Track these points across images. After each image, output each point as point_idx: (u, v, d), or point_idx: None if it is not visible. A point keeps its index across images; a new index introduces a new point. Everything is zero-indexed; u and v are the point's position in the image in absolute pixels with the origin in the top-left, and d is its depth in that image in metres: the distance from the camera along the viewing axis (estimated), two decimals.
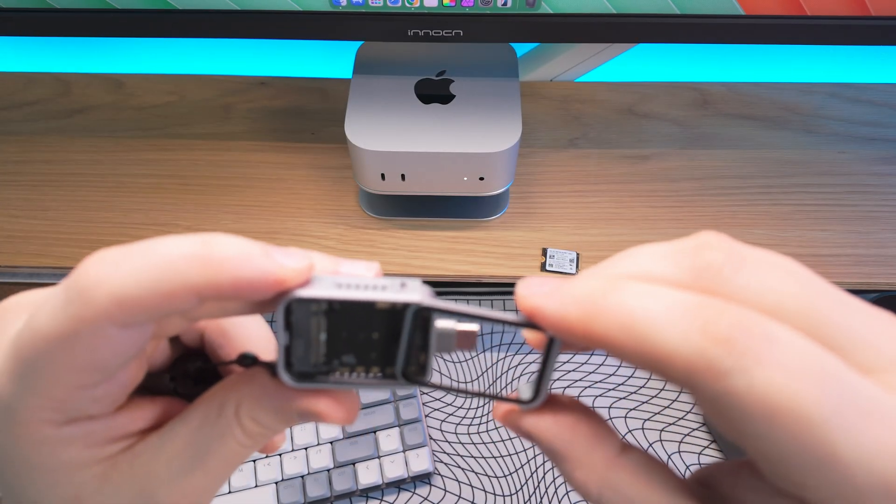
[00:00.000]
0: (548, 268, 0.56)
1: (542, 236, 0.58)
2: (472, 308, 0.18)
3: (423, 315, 0.18)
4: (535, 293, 0.17)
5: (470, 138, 0.52)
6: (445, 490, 0.52)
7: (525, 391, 0.20)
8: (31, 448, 0.18)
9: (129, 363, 0.19)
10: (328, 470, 0.52)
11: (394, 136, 0.52)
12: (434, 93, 0.55)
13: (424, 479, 0.52)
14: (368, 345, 0.19)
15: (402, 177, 0.54)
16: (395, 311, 0.18)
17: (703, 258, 0.17)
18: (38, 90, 0.68)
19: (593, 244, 0.57)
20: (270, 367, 0.20)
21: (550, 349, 0.18)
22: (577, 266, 0.56)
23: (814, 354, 0.15)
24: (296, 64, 0.71)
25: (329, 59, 0.70)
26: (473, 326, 0.19)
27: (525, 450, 0.54)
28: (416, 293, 0.18)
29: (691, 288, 0.16)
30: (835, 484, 0.14)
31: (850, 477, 0.14)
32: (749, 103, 0.66)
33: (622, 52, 0.63)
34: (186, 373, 0.23)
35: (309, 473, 0.51)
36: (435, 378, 0.17)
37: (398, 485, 0.52)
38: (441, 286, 0.63)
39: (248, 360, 0.21)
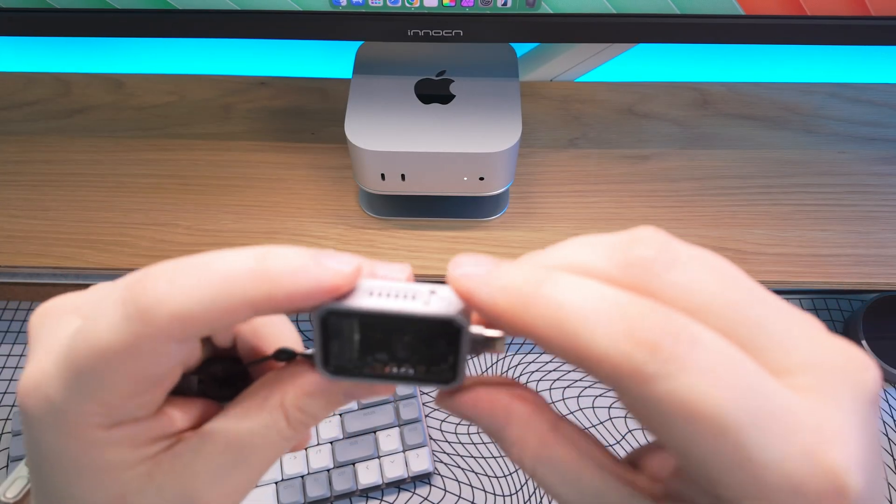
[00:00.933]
0: None
1: (543, 236, 0.58)
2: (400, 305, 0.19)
3: (455, 329, 0.19)
4: (467, 274, 0.17)
5: (470, 138, 0.52)
6: (445, 490, 0.52)
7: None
8: (80, 449, 0.19)
9: (174, 371, 0.19)
10: (328, 470, 0.52)
11: (394, 136, 0.52)
12: (434, 93, 0.55)
13: (424, 479, 0.52)
14: (400, 347, 0.19)
15: (402, 177, 0.54)
16: (426, 321, 0.19)
17: (635, 253, 0.17)
18: (38, 90, 0.68)
19: None
20: (310, 359, 0.20)
21: (460, 334, 0.19)
22: None
23: (733, 360, 0.15)
24: (296, 64, 0.71)
25: (329, 60, 0.70)
26: (498, 333, 0.19)
27: None
28: (443, 304, 0.18)
29: (621, 283, 0.17)
30: (747, 484, 0.15)
31: (761, 478, 0.15)
32: (749, 103, 0.66)
33: (622, 52, 0.63)
34: (214, 375, 0.23)
35: (309, 473, 0.51)
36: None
37: (398, 485, 0.52)
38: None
39: (286, 355, 0.21)
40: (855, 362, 0.16)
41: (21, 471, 0.48)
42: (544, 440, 0.19)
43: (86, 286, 0.21)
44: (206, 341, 0.24)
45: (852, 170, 0.62)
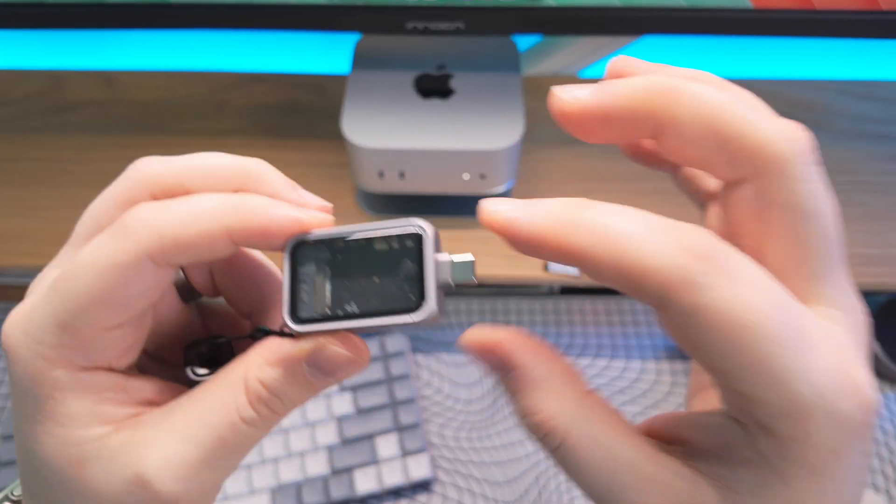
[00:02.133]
0: (550, 268, 0.55)
1: None
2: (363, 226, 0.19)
3: (418, 245, 0.19)
4: (503, 209, 0.18)
5: (471, 135, 0.51)
6: (445, 497, 0.51)
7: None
8: (45, 392, 0.19)
9: (146, 312, 0.20)
10: (324, 477, 0.50)
11: (392, 132, 0.51)
12: (434, 88, 0.53)
13: (424, 485, 0.51)
14: (370, 289, 0.19)
15: (401, 175, 0.52)
16: (393, 248, 0.19)
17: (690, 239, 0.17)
18: (29, 86, 0.67)
19: None
20: (280, 334, 0.20)
21: (422, 250, 0.19)
22: None
23: (771, 282, 0.16)
24: (290, 60, 0.70)
25: (324, 56, 0.69)
26: (469, 257, 0.19)
27: (527, 455, 0.52)
28: (410, 226, 0.19)
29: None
30: (782, 399, 0.16)
31: (797, 393, 0.15)
32: None
33: (627, 44, 0.62)
34: (200, 355, 0.23)
35: (305, 480, 0.50)
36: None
37: (397, 492, 0.51)
38: None
39: (262, 333, 0.21)
40: (860, 312, 0.18)
41: None
42: (583, 399, 0.18)
43: None
44: (186, 322, 0.24)
45: (862, 168, 0.61)
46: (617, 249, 0.16)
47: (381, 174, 0.53)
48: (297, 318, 0.19)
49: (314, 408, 0.53)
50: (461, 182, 0.53)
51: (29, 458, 0.20)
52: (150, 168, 0.20)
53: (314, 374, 0.20)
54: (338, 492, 0.50)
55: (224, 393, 0.20)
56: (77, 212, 0.22)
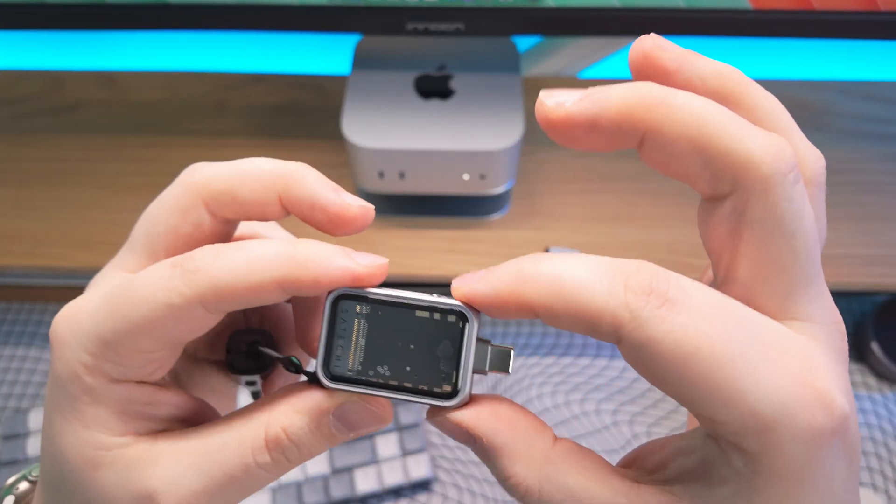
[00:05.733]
0: None
1: (545, 236, 0.57)
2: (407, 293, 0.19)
3: (460, 327, 0.19)
4: (466, 282, 0.19)
5: (471, 135, 0.51)
6: (445, 496, 0.51)
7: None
8: (78, 391, 0.20)
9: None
10: (325, 476, 0.50)
11: (392, 133, 0.51)
12: (434, 88, 0.53)
13: (424, 485, 0.51)
14: (405, 356, 0.19)
15: (401, 175, 0.52)
16: (434, 320, 0.19)
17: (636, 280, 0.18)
18: (29, 87, 0.67)
19: (597, 244, 0.56)
20: (309, 376, 0.21)
21: (464, 335, 0.19)
22: None
23: (722, 302, 0.17)
24: (291, 60, 0.70)
25: (324, 57, 0.69)
26: (507, 346, 0.20)
27: None
28: (458, 306, 0.19)
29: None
30: (743, 418, 0.16)
31: (755, 410, 0.16)
32: None
33: (627, 45, 0.62)
34: (240, 347, 0.24)
35: (305, 480, 0.50)
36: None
37: (397, 491, 0.51)
38: (441, 287, 0.61)
39: (292, 365, 0.22)
40: (839, 323, 0.18)
41: None
42: (549, 455, 0.19)
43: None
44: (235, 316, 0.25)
45: (863, 168, 0.61)
46: (567, 297, 0.17)
47: (381, 174, 0.52)
48: (329, 373, 0.20)
49: None
50: (461, 182, 0.53)
51: (51, 445, 0.21)
52: (201, 175, 0.21)
53: (339, 427, 0.20)
54: (338, 491, 0.50)
55: (243, 432, 0.20)
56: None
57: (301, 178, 0.21)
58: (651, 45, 0.19)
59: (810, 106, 0.65)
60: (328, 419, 0.20)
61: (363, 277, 0.19)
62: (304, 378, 0.21)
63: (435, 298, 0.19)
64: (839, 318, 0.18)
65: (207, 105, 0.65)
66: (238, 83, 0.67)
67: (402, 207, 0.58)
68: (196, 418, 0.22)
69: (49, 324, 0.60)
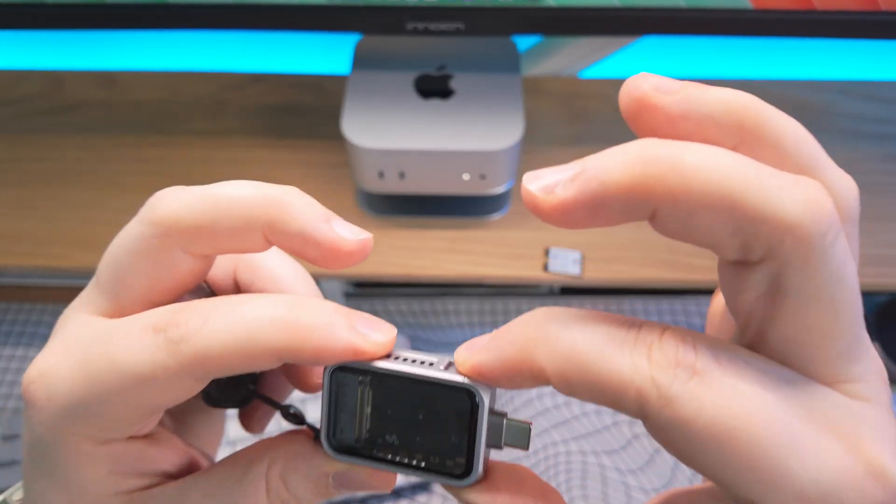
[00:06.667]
0: (550, 268, 0.55)
1: (545, 236, 0.57)
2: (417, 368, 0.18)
3: (472, 400, 0.17)
4: (472, 353, 0.17)
5: (471, 135, 0.51)
6: (445, 497, 0.51)
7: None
8: (63, 454, 0.19)
9: None
10: None
11: (392, 133, 0.51)
12: (434, 88, 0.53)
13: (424, 485, 0.51)
14: (414, 426, 0.18)
15: (401, 175, 0.52)
16: (443, 393, 0.18)
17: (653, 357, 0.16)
18: (30, 87, 0.67)
19: (597, 245, 0.56)
20: (313, 430, 0.20)
21: (477, 413, 0.17)
22: (581, 266, 0.55)
23: (755, 368, 0.15)
24: (291, 60, 0.70)
25: (325, 56, 0.69)
26: (525, 421, 0.18)
27: (528, 455, 0.52)
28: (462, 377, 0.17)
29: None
30: (787, 499, 0.14)
31: (799, 492, 0.14)
32: None
33: (627, 45, 0.62)
34: (219, 380, 0.22)
35: None
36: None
37: (397, 492, 0.51)
38: (441, 287, 0.61)
39: (295, 418, 0.21)
40: (881, 370, 0.16)
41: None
42: None
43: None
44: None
45: (863, 168, 0.60)
46: (584, 367, 0.15)
47: (381, 174, 0.53)
48: (334, 443, 0.19)
49: (314, 407, 0.53)
50: (461, 182, 0.53)
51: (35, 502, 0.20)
52: (169, 211, 0.18)
53: (338, 487, 0.19)
54: None
55: (243, 486, 0.19)
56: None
57: (288, 208, 0.18)
58: (647, 88, 0.16)
59: (810, 106, 0.65)
60: (328, 481, 0.19)
61: (369, 354, 0.17)
62: (303, 425, 0.20)
63: (441, 374, 0.17)
64: (881, 364, 0.17)
65: (207, 105, 0.65)
66: (238, 83, 0.67)
67: (401, 207, 0.58)
68: (190, 467, 0.21)
69: (49, 324, 0.60)
